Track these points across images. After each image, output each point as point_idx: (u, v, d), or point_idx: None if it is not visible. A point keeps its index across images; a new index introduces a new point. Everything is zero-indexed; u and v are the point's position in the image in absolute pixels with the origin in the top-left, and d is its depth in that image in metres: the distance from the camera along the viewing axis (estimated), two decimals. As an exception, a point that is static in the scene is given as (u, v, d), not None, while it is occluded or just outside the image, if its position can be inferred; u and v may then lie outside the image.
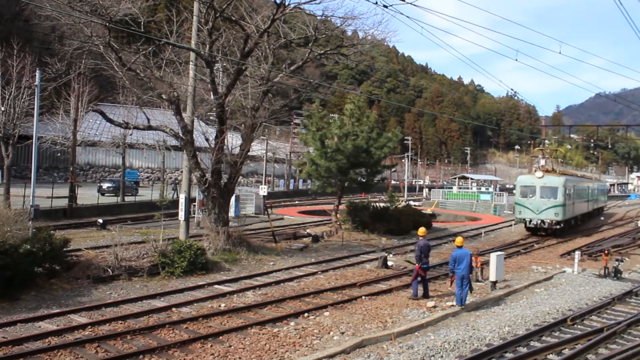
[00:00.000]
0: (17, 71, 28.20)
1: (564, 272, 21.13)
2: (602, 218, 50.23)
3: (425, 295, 16.18)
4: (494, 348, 11.12)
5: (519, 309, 15.18)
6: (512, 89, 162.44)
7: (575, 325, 13.45)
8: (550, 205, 32.30)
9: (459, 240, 15.71)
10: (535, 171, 35.45)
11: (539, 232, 33.41)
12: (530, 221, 33.02)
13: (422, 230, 16.79)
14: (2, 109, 27.54)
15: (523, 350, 11.39)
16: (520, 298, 16.78)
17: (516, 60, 27.34)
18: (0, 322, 12.42)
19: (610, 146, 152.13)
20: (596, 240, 32.51)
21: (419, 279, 16.18)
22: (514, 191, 35.97)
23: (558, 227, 32.46)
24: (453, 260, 15.15)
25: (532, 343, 11.92)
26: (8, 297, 14.30)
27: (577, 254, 21.97)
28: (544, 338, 12.36)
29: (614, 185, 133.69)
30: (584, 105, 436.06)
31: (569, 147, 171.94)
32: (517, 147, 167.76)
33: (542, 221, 32.48)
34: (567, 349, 11.54)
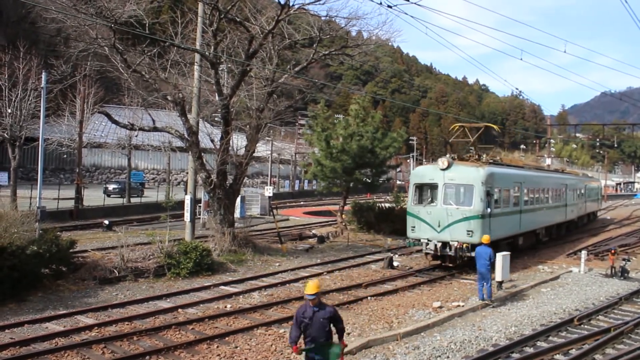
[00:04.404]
0: (23, 73, 28.42)
1: (571, 271, 21.05)
2: (609, 217, 49.94)
3: None
4: (501, 348, 11.10)
5: (526, 308, 15.15)
6: (517, 89, 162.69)
7: (582, 325, 13.40)
8: (459, 217, 19.47)
9: (485, 238, 16.11)
10: (438, 160, 21.30)
11: (445, 261, 20.71)
12: (428, 243, 20.07)
13: (313, 285, 8.04)
14: (9, 111, 27.72)
15: (530, 350, 11.35)
16: (526, 298, 16.73)
17: (521, 59, 27.43)
18: (8, 323, 12.50)
19: (616, 145, 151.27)
20: (603, 239, 32.34)
21: None
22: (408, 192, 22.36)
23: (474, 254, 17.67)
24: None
25: (538, 343, 11.88)
26: (15, 298, 14.39)
27: (584, 253, 21.89)
28: (550, 338, 12.32)
29: (619, 184, 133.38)
30: (589, 104, 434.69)
31: (574, 146, 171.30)
32: (522, 146, 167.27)
33: (446, 244, 19.65)
34: (574, 349, 11.49)
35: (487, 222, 19.73)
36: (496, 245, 19.70)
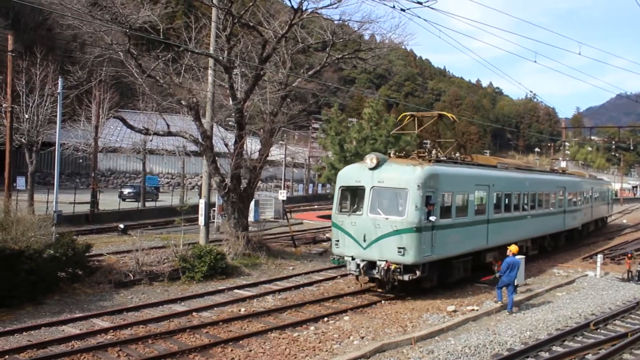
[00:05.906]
0: (40, 79, 28.80)
1: (586, 275, 20.85)
2: (625, 221, 49.31)
3: None
4: (516, 353, 11.03)
5: (541, 313, 15.03)
6: (531, 91, 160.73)
7: (599, 330, 13.28)
8: (388, 230, 15.36)
9: (514, 248, 15.74)
10: (365, 157, 16.82)
11: (377, 284, 17.16)
12: (352, 262, 16.11)
13: None
14: (26, 116, 28.10)
15: (545, 355, 11.29)
16: (541, 302, 16.60)
17: (535, 62, 27.20)
18: (25, 325, 12.66)
19: (632, 147, 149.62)
20: (619, 243, 31.99)
21: None
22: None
23: (408, 277, 15.35)
24: (507, 267, 15.15)
25: (554, 348, 11.80)
26: (33, 301, 14.55)
27: (600, 257, 21.69)
28: (566, 343, 12.22)
29: (636, 187, 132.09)
30: (604, 106, 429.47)
31: (589, 149, 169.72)
32: (536, 149, 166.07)
33: (373, 265, 15.76)
34: (590, 354, 11.40)
35: (427, 236, 15.45)
36: (447, 265, 17.01)
